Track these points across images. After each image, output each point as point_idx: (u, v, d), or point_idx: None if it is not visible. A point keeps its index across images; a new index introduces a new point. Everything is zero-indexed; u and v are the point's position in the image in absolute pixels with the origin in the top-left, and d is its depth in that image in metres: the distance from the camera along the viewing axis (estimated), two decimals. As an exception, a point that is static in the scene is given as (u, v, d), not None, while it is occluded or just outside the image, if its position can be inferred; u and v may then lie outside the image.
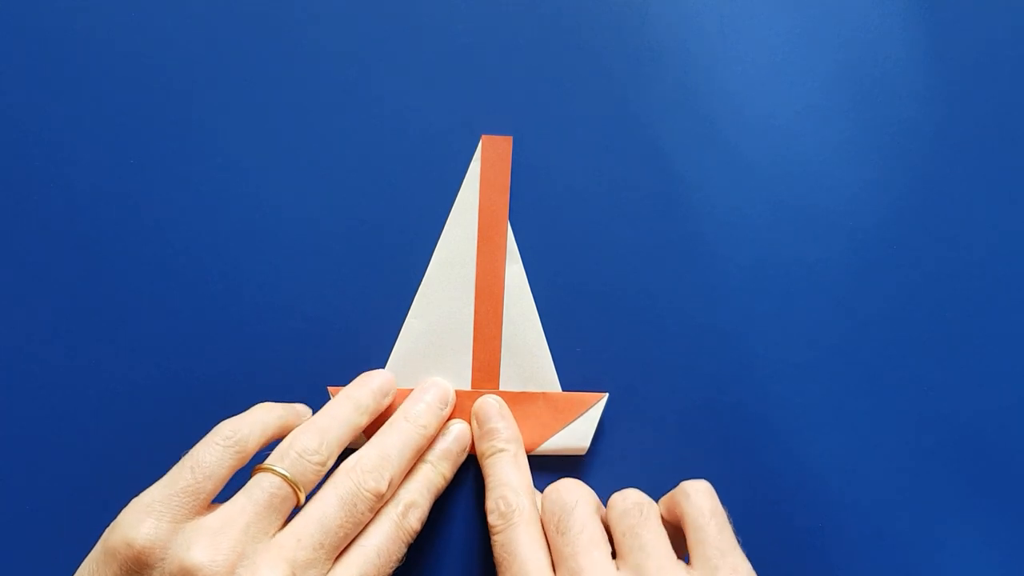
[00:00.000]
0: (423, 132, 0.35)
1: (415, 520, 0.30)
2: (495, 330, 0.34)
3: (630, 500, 0.30)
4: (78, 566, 0.27)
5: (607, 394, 0.34)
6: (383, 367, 0.34)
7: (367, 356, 0.34)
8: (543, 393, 0.34)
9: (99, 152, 0.34)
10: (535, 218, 0.35)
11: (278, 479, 0.27)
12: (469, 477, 0.35)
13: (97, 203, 0.34)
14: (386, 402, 0.33)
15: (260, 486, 0.27)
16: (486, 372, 0.34)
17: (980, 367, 0.36)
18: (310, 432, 0.29)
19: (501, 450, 0.32)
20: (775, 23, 0.36)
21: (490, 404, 0.34)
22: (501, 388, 0.34)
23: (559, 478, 0.32)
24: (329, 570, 0.27)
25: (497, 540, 0.30)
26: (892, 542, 0.36)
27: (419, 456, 0.32)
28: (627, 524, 0.29)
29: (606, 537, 0.30)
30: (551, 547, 0.29)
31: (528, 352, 0.35)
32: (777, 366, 0.35)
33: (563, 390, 0.34)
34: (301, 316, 0.34)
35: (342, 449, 0.30)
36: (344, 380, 0.34)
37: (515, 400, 0.34)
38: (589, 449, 0.35)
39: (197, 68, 0.34)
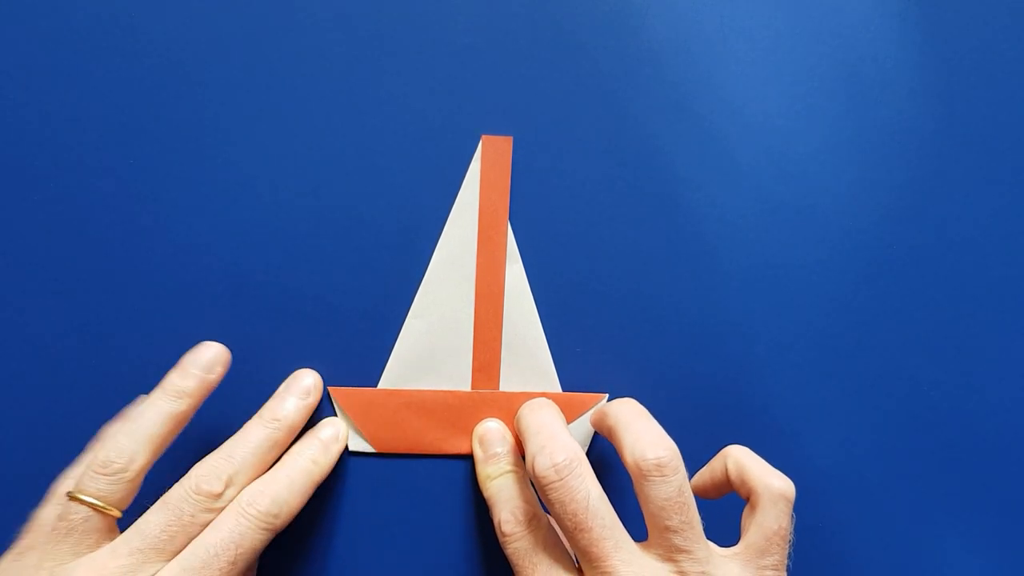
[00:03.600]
0: (423, 132, 0.35)
1: (264, 504, 0.28)
2: (495, 330, 0.34)
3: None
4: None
5: (607, 395, 0.34)
6: (383, 367, 0.34)
7: (367, 356, 0.34)
8: (543, 393, 0.34)
9: (99, 151, 0.34)
10: (535, 218, 0.35)
11: (65, 502, 0.28)
12: (465, 486, 0.35)
13: (97, 202, 0.34)
14: (212, 377, 0.31)
15: (55, 512, 0.28)
16: (486, 372, 0.34)
17: (980, 367, 0.36)
18: (108, 442, 0.29)
19: (509, 471, 0.32)
20: (773, 25, 0.36)
21: (494, 430, 0.34)
22: (501, 388, 0.34)
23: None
24: (159, 571, 0.27)
25: (517, 548, 0.29)
26: (892, 542, 0.36)
27: (277, 451, 0.31)
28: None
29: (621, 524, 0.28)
30: (574, 545, 0.28)
31: (528, 352, 0.35)
32: (777, 366, 0.35)
33: (563, 390, 0.35)
34: (301, 315, 0.34)
35: (154, 445, 0.29)
36: (344, 381, 0.34)
37: (515, 400, 0.34)
38: (588, 450, 0.35)
39: (198, 69, 0.34)
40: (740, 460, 0.30)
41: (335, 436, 0.33)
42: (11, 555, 0.28)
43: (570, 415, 0.34)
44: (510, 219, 0.35)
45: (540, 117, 0.35)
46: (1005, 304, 0.36)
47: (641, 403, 0.34)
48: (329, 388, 0.34)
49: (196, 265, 0.34)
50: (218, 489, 0.28)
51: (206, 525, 0.28)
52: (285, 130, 0.34)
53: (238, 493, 0.29)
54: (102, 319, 0.34)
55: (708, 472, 0.31)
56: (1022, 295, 0.36)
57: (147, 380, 0.34)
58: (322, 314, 0.34)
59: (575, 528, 0.27)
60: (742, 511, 0.30)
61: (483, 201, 0.34)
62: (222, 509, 0.28)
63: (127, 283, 0.34)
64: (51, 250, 0.34)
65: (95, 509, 0.27)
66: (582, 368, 0.35)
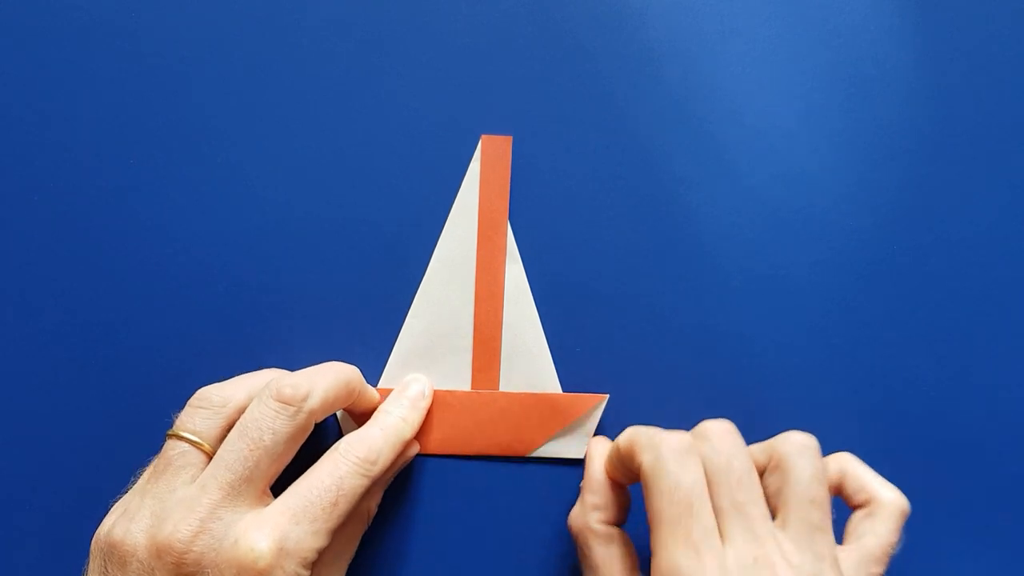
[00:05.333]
0: (423, 132, 0.35)
1: (361, 451, 0.28)
2: (495, 330, 0.34)
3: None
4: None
5: (607, 396, 0.34)
6: (383, 367, 0.34)
7: (367, 356, 0.34)
8: (543, 394, 0.34)
9: (99, 151, 0.34)
10: (535, 218, 0.35)
11: (168, 441, 0.28)
12: (465, 486, 0.35)
13: (97, 204, 0.34)
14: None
15: (160, 451, 0.28)
16: (486, 372, 0.34)
17: (979, 367, 0.36)
18: (214, 385, 0.29)
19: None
20: (773, 26, 0.36)
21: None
22: (501, 388, 0.34)
23: (559, 478, 0.32)
24: (263, 504, 0.27)
25: (647, 460, 0.27)
26: (892, 542, 0.36)
27: (350, 391, 0.31)
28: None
29: None
30: (714, 491, 0.27)
31: (528, 352, 0.35)
32: (777, 367, 0.35)
33: (563, 391, 0.34)
34: (301, 316, 0.34)
35: (251, 388, 0.29)
36: (344, 380, 0.34)
37: (515, 401, 0.34)
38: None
39: (197, 69, 0.34)
40: (856, 468, 0.31)
41: (421, 393, 0.33)
42: (126, 495, 0.28)
43: (570, 416, 0.34)
44: (510, 219, 0.35)
45: (540, 117, 0.35)
46: (1005, 304, 0.36)
47: (642, 403, 0.34)
48: (329, 388, 0.34)
49: (196, 265, 0.34)
50: (290, 394, 0.27)
51: (288, 443, 0.27)
52: (285, 130, 0.34)
53: (319, 407, 0.28)
54: (104, 319, 0.34)
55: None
56: (1022, 295, 0.36)
57: (148, 380, 0.34)
58: (322, 314, 0.34)
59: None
60: (851, 515, 0.30)
61: (483, 201, 0.34)
62: (304, 427, 0.28)
63: (127, 284, 0.34)
64: (51, 251, 0.34)
65: (190, 443, 0.28)
66: (582, 368, 0.35)
